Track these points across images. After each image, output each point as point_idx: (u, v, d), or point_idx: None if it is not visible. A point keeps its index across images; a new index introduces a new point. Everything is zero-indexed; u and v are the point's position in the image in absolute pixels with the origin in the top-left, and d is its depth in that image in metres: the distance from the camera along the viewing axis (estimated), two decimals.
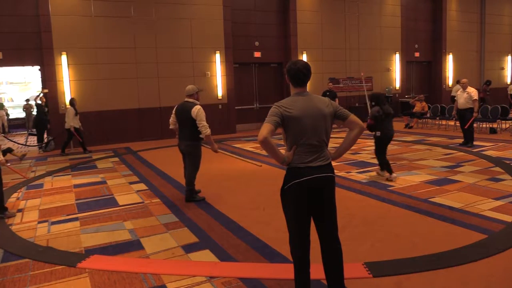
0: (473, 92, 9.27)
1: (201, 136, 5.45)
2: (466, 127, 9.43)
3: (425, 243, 3.92)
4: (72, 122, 10.47)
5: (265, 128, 2.58)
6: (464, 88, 9.39)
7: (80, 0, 11.63)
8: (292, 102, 2.70)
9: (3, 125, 17.44)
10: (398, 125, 14.35)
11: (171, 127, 5.76)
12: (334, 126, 2.92)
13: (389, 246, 3.89)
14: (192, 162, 5.60)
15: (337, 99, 12.71)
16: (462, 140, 9.63)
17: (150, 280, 3.35)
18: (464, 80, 9.79)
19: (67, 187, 6.90)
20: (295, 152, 2.69)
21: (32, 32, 11.23)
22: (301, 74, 2.75)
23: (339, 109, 2.79)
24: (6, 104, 19.09)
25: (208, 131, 5.40)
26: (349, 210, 5.03)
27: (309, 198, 2.69)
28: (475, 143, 9.76)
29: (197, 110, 5.38)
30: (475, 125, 12.36)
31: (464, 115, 9.46)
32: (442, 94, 18.42)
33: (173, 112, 5.68)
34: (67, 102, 11.65)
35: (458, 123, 10.71)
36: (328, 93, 12.88)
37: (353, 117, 2.78)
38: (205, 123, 5.39)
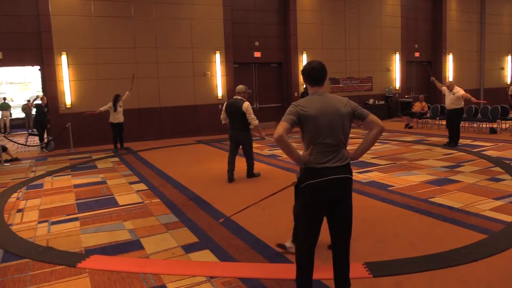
0: (459, 91, 9.31)
1: (250, 126, 6.72)
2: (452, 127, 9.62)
3: (425, 243, 3.92)
4: (110, 117, 10.63)
5: (281, 126, 2.58)
6: (451, 89, 9.42)
7: (80, 0, 11.63)
8: (309, 102, 2.70)
9: (5, 125, 17.42)
10: (398, 125, 14.36)
11: (223, 122, 6.93)
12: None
13: (389, 246, 3.89)
14: (247, 151, 6.93)
15: None
16: (459, 140, 9.63)
17: (150, 280, 3.35)
18: (449, 81, 9.97)
19: (67, 187, 6.90)
20: (311, 152, 2.66)
21: (32, 32, 11.24)
22: (316, 72, 2.75)
23: (358, 108, 2.76)
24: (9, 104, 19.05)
25: (257, 122, 6.68)
26: None
27: (325, 200, 2.67)
28: (474, 143, 9.78)
29: (247, 106, 6.62)
30: (475, 125, 12.41)
31: (450, 116, 9.54)
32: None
33: (224, 108, 6.82)
34: (67, 102, 11.66)
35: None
36: (305, 95, 12.78)
37: (372, 116, 2.74)
38: (253, 116, 6.64)
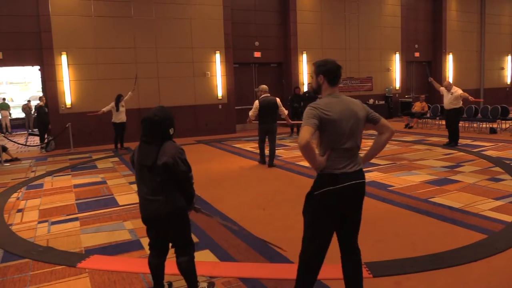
0: (457, 91, 9.34)
1: (282, 116, 8.32)
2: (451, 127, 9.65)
3: (425, 243, 3.92)
4: (113, 117, 10.68)
5: (307, 131, 2.39)
6: (449, 89, 9.44)
7: (80, 0, 11.63)
8: (329, 104, 2.53)
9: (6, 125, 17.42)
10: (398, 125, 14.36)
11: (252, 119, 8.03)
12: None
13: (389, 246, 3.89)
14: (274, 138, 8.03)
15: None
16: (458, 140, 9.63)
17: (150, 280, 3.35)
18: (447, 81, 9.96)
19: (67, 187, 6.90)
20: (329, 157, 2.51)
21: (32, 32, 11.24)
22: (339, 71, 2.63)
23: (371, 112, 2.69)
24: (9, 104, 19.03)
25: (286, 111, 8.41)
26: None
27: (341, 206, 2.55)
28: (474, 143, 9.77)
29: (279, 100, 8.08)
30: (475, 125, 12.41)
31: (448, 115, 9.57)
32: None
33: (257, 106, 7.84)
34: (67, 102, 11.67)
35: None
36: (307, 95, 12.82)
37: (384, 120, 2.68)
38: (283, 107, 8.16)
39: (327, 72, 2.61)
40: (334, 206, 2.53)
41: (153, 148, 2.83)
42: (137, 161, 2.91)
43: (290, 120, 8.79)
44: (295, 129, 12.80)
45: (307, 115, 2.48)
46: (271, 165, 7.93)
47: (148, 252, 3.96)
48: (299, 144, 2.38)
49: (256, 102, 7.91)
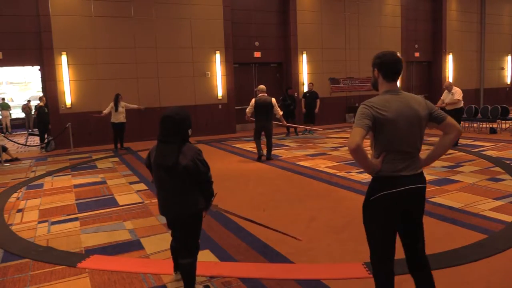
0: (457, 92, 9.31)
1: (277, 116, 8.61)
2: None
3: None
4: (112, 117, 10.72)
5: (358, 134, 2.18)
6: (449, 90, 9.43)
7: (80, 0, 11.63)
8: (385, 102, 2.31)
9: (6, 125, 17.43)
10: None
11: (249, 115, 8.61)
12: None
13: None
14: (270, 135, 8.49)
15: (318, 100, 12.69)
16: (459, 140, 9.64)
17: (150, 280, 3.35)
18: (448, 81, 9.93)
19: (67, 187, 6.90)
20: (384, 159, 2.33)
21: (32, 32, 11.25)
22: (400, 65, 2.40)
23: (435, 110, 2.42)
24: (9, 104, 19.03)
25: (281, 112, 8.75)
26: (349, 210, 5.02)
27: (399, 212, 2.37)
28: (474, 143, 9.78)
29: (275, 100, 8.48)
30: (475, 125, 12.41)
31: (449, 116, 9.56)
32: (442, 94, 18.43)
33: (253, 105, 8.40)
34: (67, 102, 11.67)
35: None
36: (308, 94, 12.83)
37: (450, 119, 2.43)
38: (277, 107, 8.52)
39: (382, 65, 2.42)
40: (393, 211, 2.34)
41: (173, 148, 2.81)
42: (154, 162, 2.88)
43: (284, 121, 9.13)
44: (291, 129, 12.82)
45: (360, 115, 2.26)
46: (268, 158, 8.50)
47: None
48: (349, 148, 2.20)
49: (253, 100, 8.47)
